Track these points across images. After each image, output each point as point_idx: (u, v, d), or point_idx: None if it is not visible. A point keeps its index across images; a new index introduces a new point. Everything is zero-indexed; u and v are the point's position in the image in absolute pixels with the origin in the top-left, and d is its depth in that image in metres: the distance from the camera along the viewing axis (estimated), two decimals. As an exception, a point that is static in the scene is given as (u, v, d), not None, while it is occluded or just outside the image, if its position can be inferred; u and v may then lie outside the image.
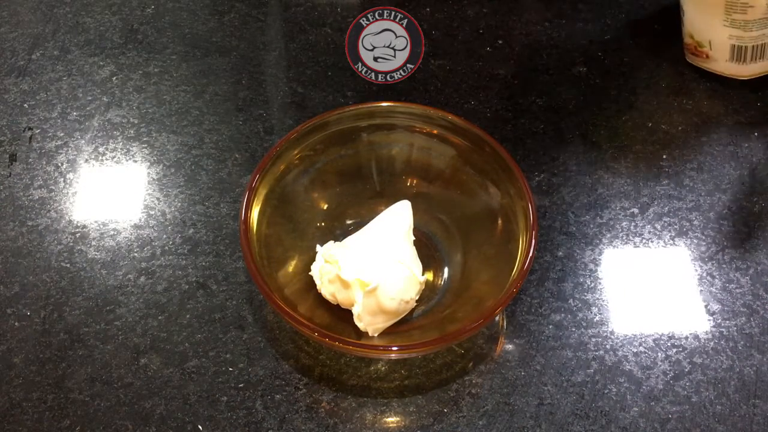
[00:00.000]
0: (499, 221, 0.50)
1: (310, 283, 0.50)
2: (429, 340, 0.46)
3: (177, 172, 0.58)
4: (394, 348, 0.47)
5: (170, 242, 0.54)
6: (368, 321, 0.47)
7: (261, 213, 0.49)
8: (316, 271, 0.49)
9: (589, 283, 0.52)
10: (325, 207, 0.53)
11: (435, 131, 0.52)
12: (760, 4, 0.54)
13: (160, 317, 0.50)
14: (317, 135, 0.52)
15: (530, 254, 0.46)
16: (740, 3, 0.55)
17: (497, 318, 0.51)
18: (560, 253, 0.54)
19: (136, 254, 0.53)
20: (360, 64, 0.55)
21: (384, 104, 0.54)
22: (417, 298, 0.48)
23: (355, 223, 0.52)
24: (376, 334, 0.47)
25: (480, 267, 0.50)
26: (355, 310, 0.47)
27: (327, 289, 0.49)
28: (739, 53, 0.58)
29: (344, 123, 0.52)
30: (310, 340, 0.49)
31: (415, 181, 0.53)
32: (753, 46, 0.58)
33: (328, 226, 0.53)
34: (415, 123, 0.52)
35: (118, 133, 0.60)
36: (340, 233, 0.52)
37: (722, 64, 0.60)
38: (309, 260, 0.50)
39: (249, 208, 0.48)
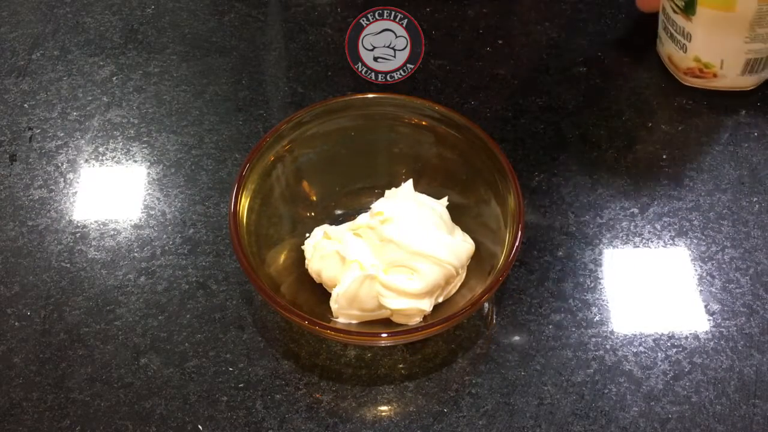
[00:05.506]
0: (488, 210, 0.50)
1: (300, 277, 0.50)
2: (417, 326, 0.46)
3: (177, 172, 0.58)
4: (384, 335, 0.46)
5: (170, 242, 0.54)
6: (343, 305, 0.47)
7: (251, 203, 0.49)
8: (309, 246, 0.50)
9: (589, 283, 0.52)
10: (315, 198, 0.53)
11: (424, 122, 0.52)
12: None
13: (160, 317, 0.50)
14: (306, 126, 0.52)
15: (516, 243, 0.46)
16: None
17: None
18: (560, 253, 0.54)
19: (136, 254, 0.53)
20: (360, 64, 0.55)
21: (370, 95, 0.53)
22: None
23: (344, 214, 0.53)
24: (342, 320, 0.48)
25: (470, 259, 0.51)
26: (335, 291, 0.47)
27: (315, 265, 0.49)
28: (753, 66, 0.59)
29: (334, 114, 0.53)
30: (294, 326, 0.49)
31: (404, 171, 0.53)
32: (766, 57, 0.58)
33: (319, 215, 0.53)
34: (402, 113, 0.53)
35: (118, 133, 0.60)
36: (330, 223, 0.52)
37: (731, 80, 0.60)
38: (298, 252, 0.51)
39: (239, 192, 0.48)
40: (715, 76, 0.60)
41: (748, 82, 0.61)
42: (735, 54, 0.58)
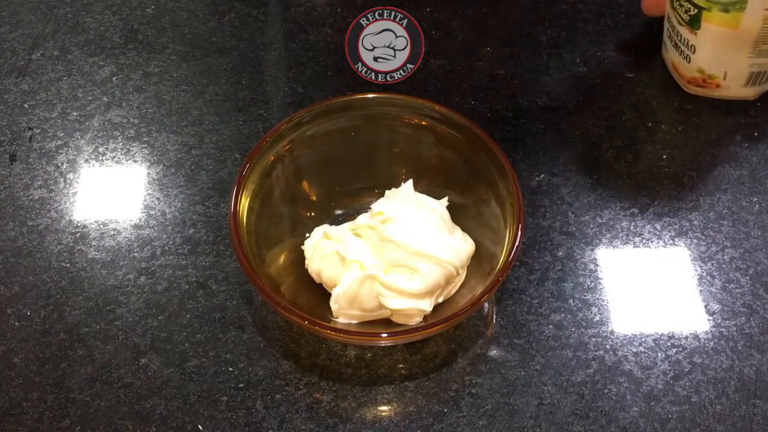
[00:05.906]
0: (488, 210, 0.50)
1: (300, 277, 0.50)
2: (417, 326, 0.46)
3: (177, 172, 0.58)
4: (384, 335, 0.46)
5: (170, 242, 0.54)
6: (343, 305, 0.47)
7: (251, 203, 0.49)
8: (309, 246, 0.50)
9: (589, 283, 0.52)
10: (315, 198, 0.53)
11: (424, 122, 0.52)
12: None
13: (160, 317, 0.50)
14: (306, 126, 0.52)
15: (516, 243, 0.46)
16: None
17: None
18: (560, 253, 0.54)
19: (136, 254, 0.53)
20: (360, 64, 0.55)
21: (370, 95, 0.53)
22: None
23: (344, 214, 0.53)
24: (342, 320, 0.48)
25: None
26: (335, 291, 0.47)
27: (315, 265, 0.49)
28: (756, 78, 0.59)
29: (334, 114, 0.53)
30: (294, 326, 0.49)
31: (404, 171, 0.53)
32: None
33: (319, 215, 0.53)
34: (402, 113, 0.53)
35: (118, 133, 0.60)
36: (330, 223, 0.52)
37: (735, 90, 0.60)
38: (298, 252, 0.51)
39: (239, 192, 0.48)
40: (717, 86, 0.60)
41: (750, 92, 0.61)
42: (738, 67, 0.58)
